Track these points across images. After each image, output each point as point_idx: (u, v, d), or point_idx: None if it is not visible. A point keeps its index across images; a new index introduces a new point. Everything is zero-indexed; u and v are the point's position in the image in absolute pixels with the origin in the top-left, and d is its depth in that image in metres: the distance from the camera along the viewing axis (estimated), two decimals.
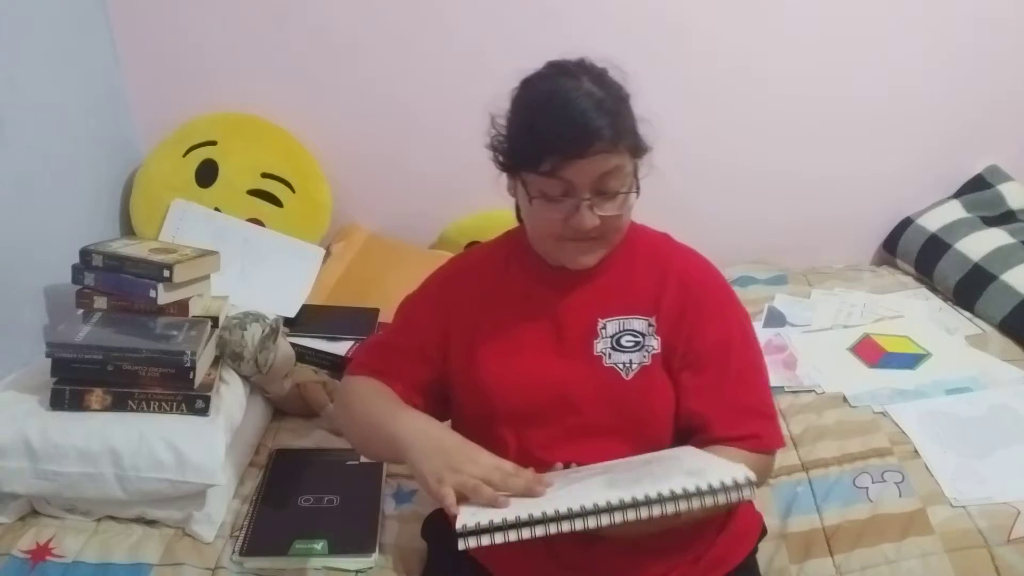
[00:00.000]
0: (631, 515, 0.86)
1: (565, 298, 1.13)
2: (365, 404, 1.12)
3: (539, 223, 1.07)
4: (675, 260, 1.16)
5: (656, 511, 0.86)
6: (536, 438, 1.11)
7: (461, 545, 0.87)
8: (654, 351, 1.11)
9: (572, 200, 1.01)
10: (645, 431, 1.12)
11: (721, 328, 1.13)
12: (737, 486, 0.87)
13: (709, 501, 0.86)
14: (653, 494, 0.86)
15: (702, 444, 1.09)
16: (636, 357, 1.11)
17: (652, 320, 1.12)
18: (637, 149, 1.04)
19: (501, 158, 1.06)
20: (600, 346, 1.12)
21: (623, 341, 1.12)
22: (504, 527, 0.87)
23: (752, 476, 0.88)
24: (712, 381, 1.11)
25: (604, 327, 1.12)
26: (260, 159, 2.08)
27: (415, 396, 1.16)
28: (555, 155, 0.98)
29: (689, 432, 1.13)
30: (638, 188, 1.05)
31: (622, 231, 1.10)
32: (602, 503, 0.87)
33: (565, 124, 0.98)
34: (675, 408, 1.13)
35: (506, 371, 1.13)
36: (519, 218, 1.15)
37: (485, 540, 0.87)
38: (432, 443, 0.99)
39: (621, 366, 1.11)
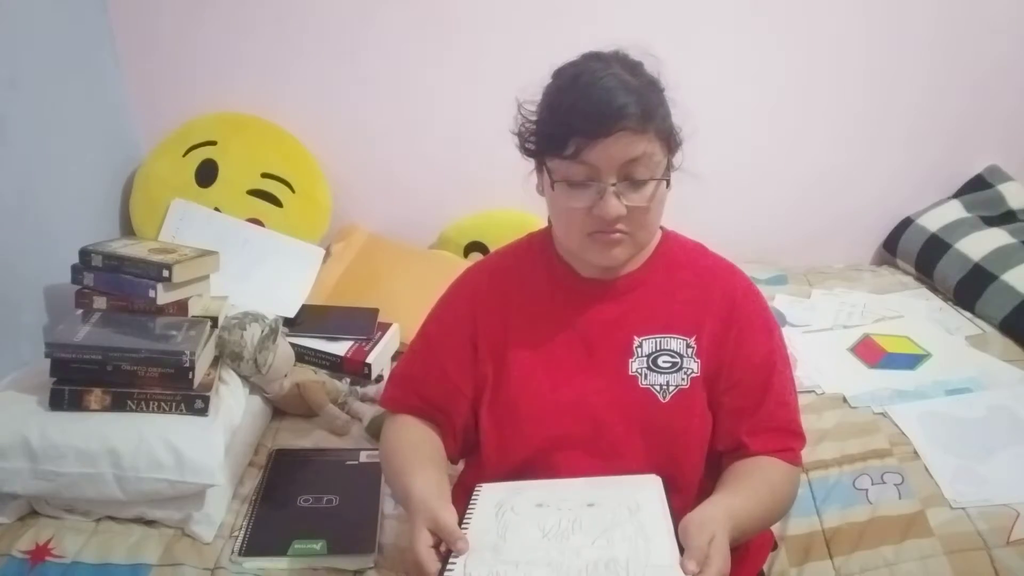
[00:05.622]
0: None
1: (598, 312, 1.07)
2: (393, 445, 1.11)
3: (563, 213, 1.01)
4: (718, 275, 1.11)
5: None
6: (561, 461, 1.06)
7: None
8: (693, 374, 1.06)
9: (597, 186, 0.96)
10: (677, 456, 1.06)
11: (765, 349, 1.08)
12: None
13: None
14: None
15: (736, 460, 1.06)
16: (674, 379, 1.05)
17: (692, 341, 1.06)
18: (669, 141, 1.00)
19: (527, 144, 1.02)
20: (635, 366, 1.06)
21: (660, 361, 1.06)
22: None
23: None
24: (754, 403, 1.07)
25: (640, 345, 1.06)
26: (260, 159, 2.07)
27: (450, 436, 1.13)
28: (579, 136, 0.94)
29: (723, 453, 1.08)
30: (669, 181, 1.00)
31: (650, 230, 1.04)
32: None
33: (590, 103, 0.94)
34: (712, 430, 1.08)
35: (535, 394, 1.07)
36: (550, 221, 1.10)
37: None
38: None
39: (658, 388, 1.05)
